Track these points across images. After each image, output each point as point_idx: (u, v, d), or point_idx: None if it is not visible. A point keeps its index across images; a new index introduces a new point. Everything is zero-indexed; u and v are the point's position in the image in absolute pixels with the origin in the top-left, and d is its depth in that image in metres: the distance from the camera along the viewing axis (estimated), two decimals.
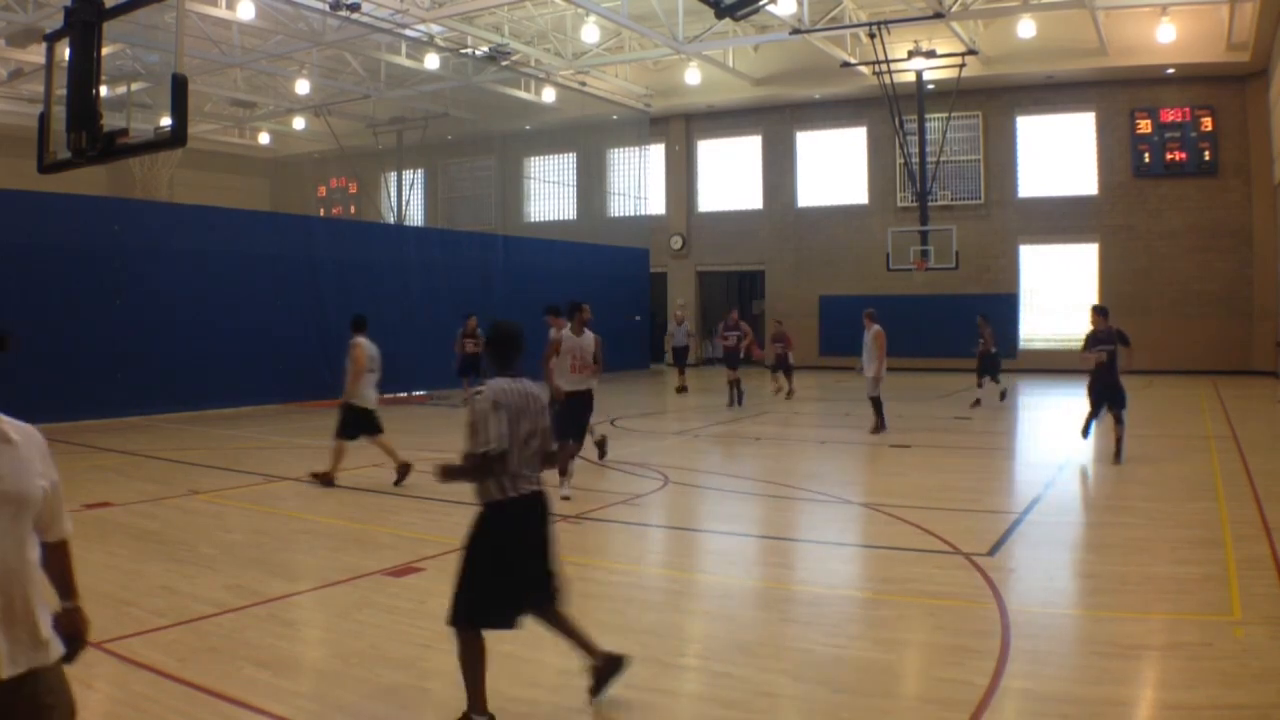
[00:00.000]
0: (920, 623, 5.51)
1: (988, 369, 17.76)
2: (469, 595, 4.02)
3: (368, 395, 9.96)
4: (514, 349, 4.26)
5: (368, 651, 4.94)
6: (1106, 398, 10.98)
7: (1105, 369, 10.89)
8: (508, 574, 4.06)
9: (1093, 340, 11.01)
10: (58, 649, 2.41)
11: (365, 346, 9.98)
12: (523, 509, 4.08)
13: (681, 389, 20.62)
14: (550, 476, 4.75)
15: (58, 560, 2.65)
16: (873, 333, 13.74)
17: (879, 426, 13.65)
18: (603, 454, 11.02)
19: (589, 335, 9.35)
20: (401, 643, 5.08)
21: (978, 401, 17.42)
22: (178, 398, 16.00)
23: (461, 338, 17.80)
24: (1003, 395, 17.82)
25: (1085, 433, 11.45)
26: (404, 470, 9.71)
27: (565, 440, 9.04)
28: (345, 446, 9.87)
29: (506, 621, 4.10)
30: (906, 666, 4.94)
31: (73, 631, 2.63)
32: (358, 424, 9.93)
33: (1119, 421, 10.81)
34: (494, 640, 5.12)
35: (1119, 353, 10.85)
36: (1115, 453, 10.69)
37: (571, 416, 9.05)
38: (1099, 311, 11.23)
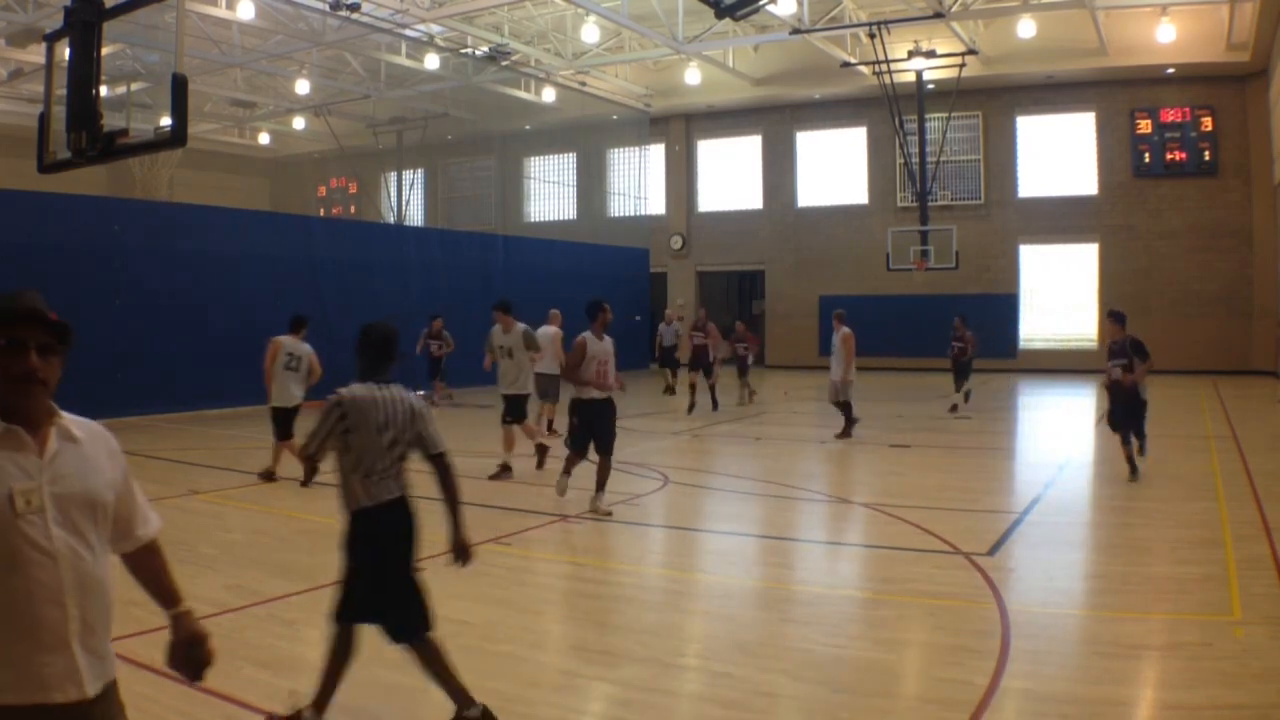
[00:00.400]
0: (920, 623, 5.51)
1: (963, 375, 16.92)
2: (349, 596, 4.01)
3: (286, 394, 9.94)
4: (385, 354, 4.17)
5: (368, 651, 4.93)
6: (1126, 417, 9.73)
7: (1121, 385, 9.71)
8: (383, 574, 4.03)
9: (1109, 353, 9.90)
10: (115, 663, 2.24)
11: (282, 345, 10.01)
12: (387, 515, 4.02)
13: (669, 390, 20.06)
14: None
15: (149, 564, 2.43)
16: (841, 335, 13.36)
17: (846, 431, 13.18)
18: (540, 464, 10.58)
19: (609, 340, 8.57)
20: None
21: (966, 398, 16.83)
22: (178, 398, 16.00)
23: (425, 339, 17.72)
24: (954, 407, 16.53)
25: (1133, 470, 9.60)
26: (269, 475, 9.89)
27: (581, 452, 8.52)
28: (294, 444, 9.97)
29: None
30: (906, 666, 4.94)
31: (192, 638, 2.39)
32: (281, 423, 9.97)
33: (1139, 435, 9.76)
34: (493, 640, 5.14)
35: (1136, 367, 9.61)
36: (1138, 451, 9.75)
37: (594, 428, 8.40)
38: (1114, 318, 9.94)
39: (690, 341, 17.73)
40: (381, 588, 4.02)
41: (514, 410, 10.57)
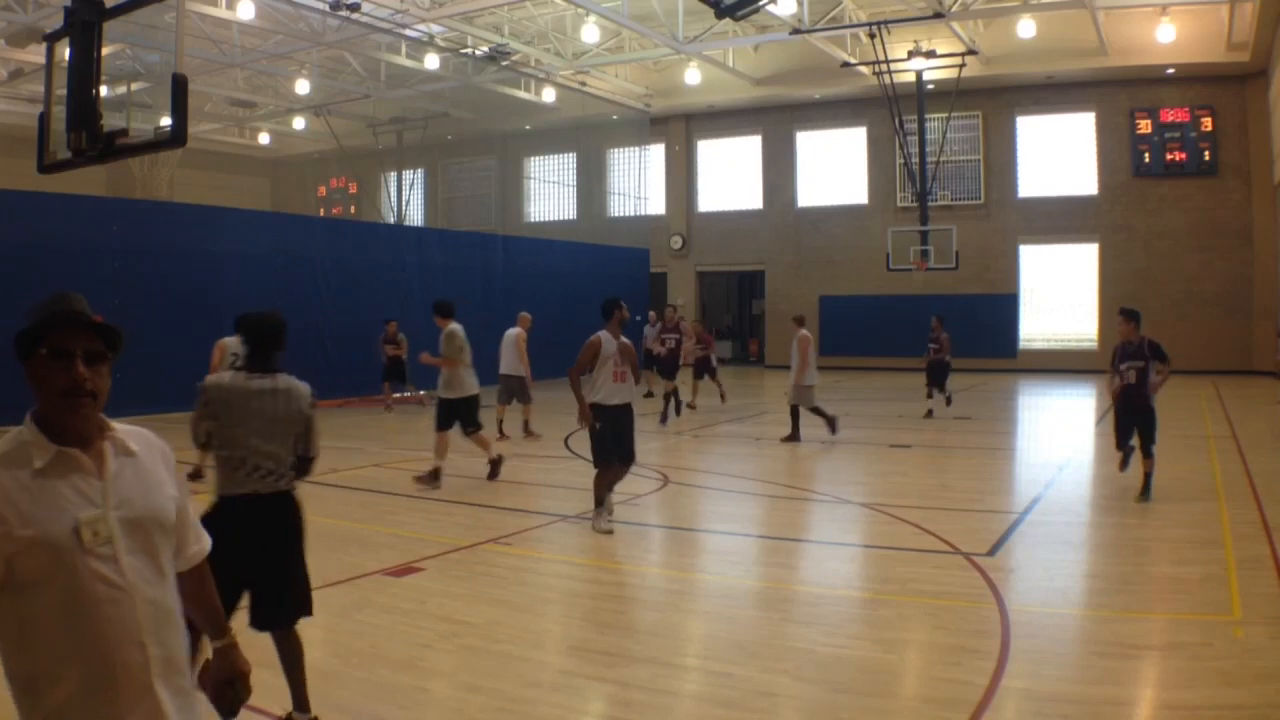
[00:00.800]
0: (920, 623, 5.51)
1: (938, 378, 15.82)
2: None
3: None
4: (268, 344, 4.06)
5: (368, 651, 4.94)
6: (1134, 424, 8.72)
7: (1133, 389, 8.63)
8: (220, 569, 3.96)
9: (1121, 354, 8.76)
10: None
11: (227, 346, 10.22)
12: (251, 509, 3.91)
13: (648, 394, 18.91)
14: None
15: (200, 586, 2.19)
16: (797, 338, 13.04)
17: (792, 436, 12.79)
18: (494, 474, 9.73)
19: (625, 341, 7.95)
20: (401, 643, 5.08)
21: (930, 413, 15.61)
22: (178, 398, 15.95)
23: (381, 343, 17.12)
24: (932, 411, 15.69)
25: (1125, 464, 8.96)
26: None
27: (608, 463, 7.80)
28: None
29: None
30: (906, 666, 4.94)
31: (235, 675, 2.19)
32: None
33: (1146, 455, 8.68)
34: (493, 640, 5.14)
35: (1151, 371, 8.64)
36: (1141, 488, 8.66)
37: (615, 435, 7.74)
38: (1128, 317, 8.84)
39: (661, 345, 16.42)
40: (228, 580, 3.95)
41: (463, 416, 9.67)
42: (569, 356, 8.09)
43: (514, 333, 12.91)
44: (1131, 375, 8.66)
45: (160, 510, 1.96)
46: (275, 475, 3.95)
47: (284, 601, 3.97)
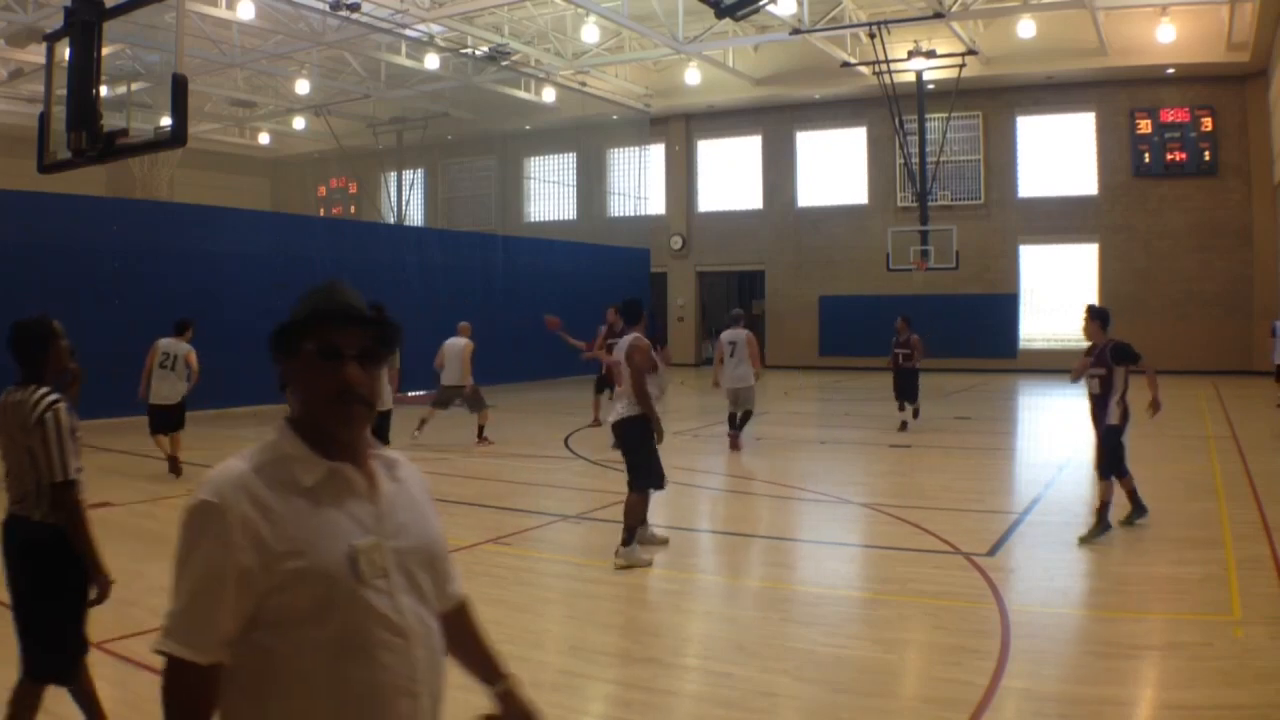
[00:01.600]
0: (920, 623, 5.51)
1: (908, 387, 14.02)
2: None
3: (160, 392, 10.41)
4: (15, 353, 3.50)
5: None
6: (1101, 451, 7.47)
7: (1095, 405, 7.45)
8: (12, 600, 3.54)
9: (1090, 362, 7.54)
10: None
11: (159, 346, 10.66)
12: (8, 534, 3.50)
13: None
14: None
15: (466, 628, 1.94)
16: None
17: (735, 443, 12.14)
18: None
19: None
20: None
21: (915, 415, 14.22)
22: None
23: None
24: (903, 425, 13.96)
25: (1137, 510, 7.64)
26: (173, 464, 10.27)
27: (652, 487, 7.12)
28: (159, 439, 10.48)
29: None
30: (906, 666, 4.94)
31: (527, 718, 1.94)
32: (151, 420, 10.47)
33: (1118, 475, 7.50)
34: (493, 640, 5.13)
35: (1115, 380, 7.28)
36: (1129, 510, 7.60)
37: (651, 449, 7.08)
38: (1093, 316, 7.50)
39: (604, 357, 13.05)
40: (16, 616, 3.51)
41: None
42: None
43: (462, 343, 12.88)
44: (1095, 385, 7.39)
45: (435, 543, 1.75)
46: (22, 501, 3.44)
47: (24, 649, 3.46)
